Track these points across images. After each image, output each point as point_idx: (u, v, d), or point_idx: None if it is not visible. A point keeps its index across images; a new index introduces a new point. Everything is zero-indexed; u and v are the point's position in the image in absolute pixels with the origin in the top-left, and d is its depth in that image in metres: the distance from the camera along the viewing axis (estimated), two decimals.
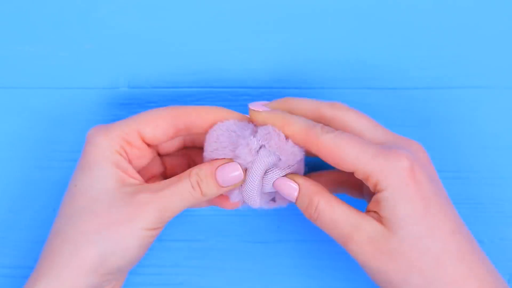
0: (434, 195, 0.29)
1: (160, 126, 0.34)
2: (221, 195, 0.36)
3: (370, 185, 0.29)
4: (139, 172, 0.36)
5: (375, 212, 0.30)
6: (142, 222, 0.32)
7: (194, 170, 0.34)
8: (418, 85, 0.46)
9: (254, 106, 0.34)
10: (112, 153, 0.33)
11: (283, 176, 0.33)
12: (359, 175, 0.29)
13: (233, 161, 0.33)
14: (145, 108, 0.44)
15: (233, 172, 0.33)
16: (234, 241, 0.47)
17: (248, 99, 0.46)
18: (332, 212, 0.31)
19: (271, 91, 0.46)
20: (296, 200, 0.33)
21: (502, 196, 0.45)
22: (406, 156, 0.28)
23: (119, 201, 0.32)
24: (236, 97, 0.47)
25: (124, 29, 0.46)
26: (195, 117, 0.34)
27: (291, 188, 0.32)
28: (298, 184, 0.32)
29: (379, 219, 0.29)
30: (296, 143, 0.32)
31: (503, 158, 0.45)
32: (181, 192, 0.33)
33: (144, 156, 0.36)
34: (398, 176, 0.27)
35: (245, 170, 0.34)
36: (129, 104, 0.47)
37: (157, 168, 0.40)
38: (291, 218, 0.47)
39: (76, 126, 0.47)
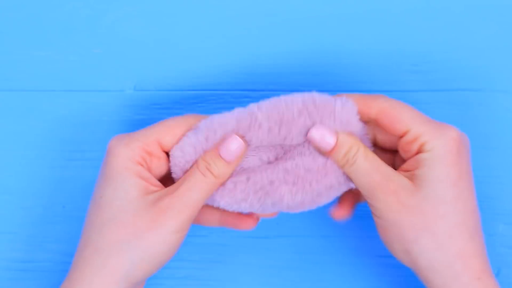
0: (467, 172, 0.31)
1: (178, 134, 0.35)
2: (236, 215, 0.38)
3: (414, 146, 0.30)
4: (159, 179, 0.37)
5: (409, 171, 0.31)
6: (168, 226, 0.33)
7: (200, 159, 0.35)
8: (410, 88, 0.48)
9: None
10: (134, 163, 0.34)
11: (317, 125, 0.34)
12: (409, 136, 0.31)
13: (231, 136, 0.34)
14: (150, 110, 0.47)
15: (234, 144, 0.34)
16: (235, 237, 0.48)
17: (249, 101, 0.47)
18: (370, 160, 0.32)
19: (272, 94, 0.47)
20: (334, 147, 0.33)
21: (491, 194, 0.47)
22: (456, 130, 0.31)
23: (143, 209, 0.33)
24: (237, 99, 0.48)
25: (130, 34, 0.48)
26: None
27: (331, 135, 0.33)
28: (337, 133, 0.33)
29: (411, 177, 0.31)
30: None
31: (492, 157, 0.47)
32: (195, 184, 0.34)
33: (163, 165, 0.37)
34: (446, 142, 0.29)
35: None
36: (135, 106, 0.48)
37: (169, 167, 0.39)
38: (290, 214, 0.48)
39: (84, 126, 0.49)
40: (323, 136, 0.33)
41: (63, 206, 0.48)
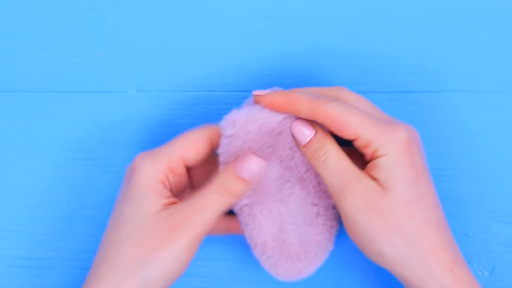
0: (423, 169, 0.32)
1: (201, 149, 0.35)
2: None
3: (368, 151, 0.31)
4: (176, 193, 0.37)
5: (371, 175, 0.32)
6: (180, 244, 0.33)
7: (216, 178, 0.34)
8: (406, 89, 0.49)
9: (258, 91, 0.35)
10: (156, 182, 0.34)
11: (300, 119, 0.34)
12: (360, 142, 0.31)
13: (249, 155, 0.34)
14: (153, 110, 0.48)
15: (255, 164, 0.34)
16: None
17: None
18: (340, 160, 0.33)
19: None
20: (308, 142, 0.34)
21: (484, 192, 0.47)
22: (404, 129, 0.31)
23: (158, 227, 0.33)
24: (238, 100, 0.49)
25: (133, 37, 0.49)
26: None
27: (307, 130, 0.34)
28: (315, 128, 0.34)
29: (375, 180, 0.32)
30: (303, 116, 0.33)
31: (484, 157, 0.48)
32: (211, 202, 0.34)
33: (183, 180, 0.37)
34: (396, 145, 0.29)
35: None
36: (138, 106, 0.50)
37: (186, 181, 0.39)
38: None
39: (88, 126, 0.50)
40: (301, 129, 0.33)
41: (66, 205, 0.49)
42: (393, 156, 0.30)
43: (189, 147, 0.35)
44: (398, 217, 0.30)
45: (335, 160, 0.32)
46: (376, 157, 0.31)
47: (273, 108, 0.34)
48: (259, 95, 0.35)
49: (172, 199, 0.35)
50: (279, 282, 0.44)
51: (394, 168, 0.30)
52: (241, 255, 0.48)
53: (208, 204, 0.33)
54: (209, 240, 0.48)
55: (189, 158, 0.36)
